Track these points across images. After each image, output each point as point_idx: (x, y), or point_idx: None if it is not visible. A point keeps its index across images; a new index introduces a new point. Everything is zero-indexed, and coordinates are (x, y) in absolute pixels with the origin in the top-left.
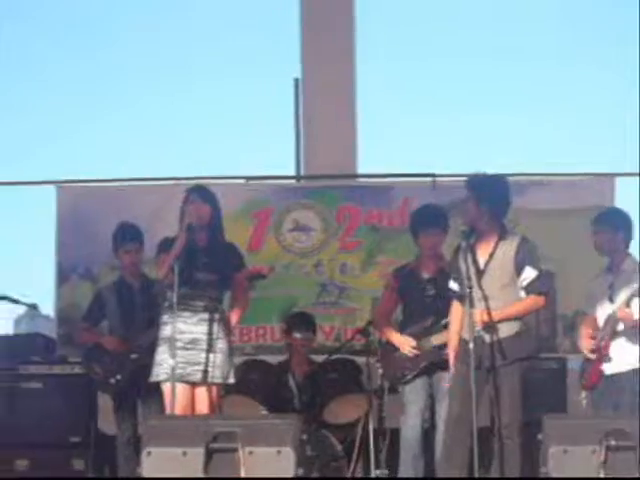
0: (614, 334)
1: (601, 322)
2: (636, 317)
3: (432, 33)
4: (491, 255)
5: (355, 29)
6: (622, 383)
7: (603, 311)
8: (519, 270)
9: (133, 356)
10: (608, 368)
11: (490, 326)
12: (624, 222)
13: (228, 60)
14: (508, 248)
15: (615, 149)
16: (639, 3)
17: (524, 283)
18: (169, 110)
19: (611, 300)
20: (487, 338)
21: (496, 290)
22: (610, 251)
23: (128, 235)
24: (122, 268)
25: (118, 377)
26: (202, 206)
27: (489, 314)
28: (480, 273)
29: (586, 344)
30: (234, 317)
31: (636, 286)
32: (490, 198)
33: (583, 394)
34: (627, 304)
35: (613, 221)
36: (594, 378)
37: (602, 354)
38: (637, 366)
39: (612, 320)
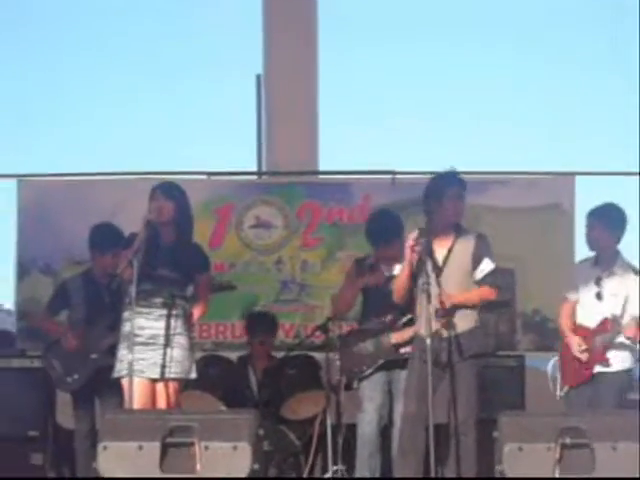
0: (614, 344)
1: (583, 315)
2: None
3: (394, 32)
4: (450, 251)
5: (317, 26)
6: (603, 381)
7: (587, 305)
8: (477, 263)
9: (93, 356)
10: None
11: (448, 322)
12: (620, 219)
13: (191, 56)
14: (466, 245)
15: (575, 148)
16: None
17: (480, 275)
18: (132, 105)
19: (599, 297)
20: (444, 334)
21: (454, 286)
22: (602, 247)
23: (107, 239)
24: (94, 267)
25: (75, 376)
26: (165, 203)
27: (442, 301)
28: (438, 270)
29: (576, 342)
30: (195, 313)
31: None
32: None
33: (564, 390)
34: (638, 323)
35: (609, 217)
36: (582, 378)
37: (599, 359)
38: (628, 367)
39: (614, 328)
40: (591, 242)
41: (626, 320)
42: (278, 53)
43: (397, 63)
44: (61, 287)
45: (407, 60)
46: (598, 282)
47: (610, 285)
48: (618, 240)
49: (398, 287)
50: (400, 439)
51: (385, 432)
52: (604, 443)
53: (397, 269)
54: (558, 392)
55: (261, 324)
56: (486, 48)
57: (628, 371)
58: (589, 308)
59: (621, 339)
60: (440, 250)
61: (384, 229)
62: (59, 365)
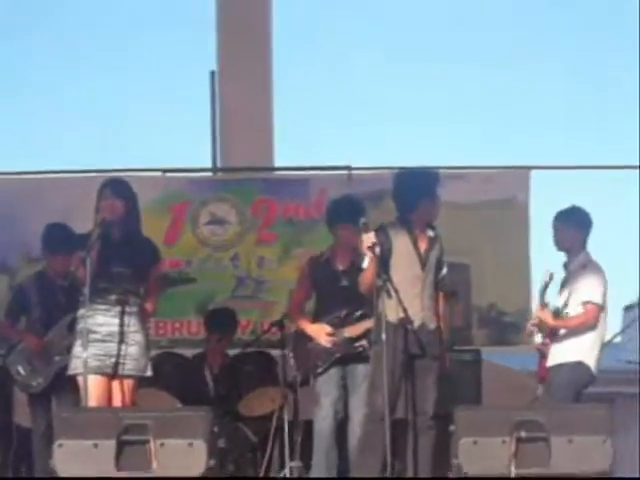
0: (550, 334)
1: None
2: (549, 321)
3: (348, 25)
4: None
5: (271, 21)
6: (552, 375)
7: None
8: (440, 266)
9: (57, 358)
10: (549, 362)
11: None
12: (585, 221)
13: (144, 52)
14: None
15: (530, 142)
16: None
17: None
18: (86, 101)
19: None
20: (431, 326)
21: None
22: (569, 248)
23: (57, 240)
24: (48, 267)
25: (40, 380)
26: (115, 201)
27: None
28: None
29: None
30: (149, 307)
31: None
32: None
33: (540, 388)
34: (542, 306)
35: (575, 219)
36: (541, 373)
37: (545, 353)
38: (577, 359)
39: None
40: (557, 244)
41: (572, 309)
42: (232, 49)
43: (352, 57)
44: (19, 291)
45: (363, 54)
46: (563, 284)
47: (565, 283)
48: (584, 242)
49: (365, 282)
50: (364, 433)
51: (341, 427)
52: (560, 436)
53: (365, 262)
54: (539, 391)
55: (221, 320)
56: (441, 42)
57: (578, 364)
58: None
59: (562, 331)
60: (421, 245)
61: (342, 210)
62: (23, 370)
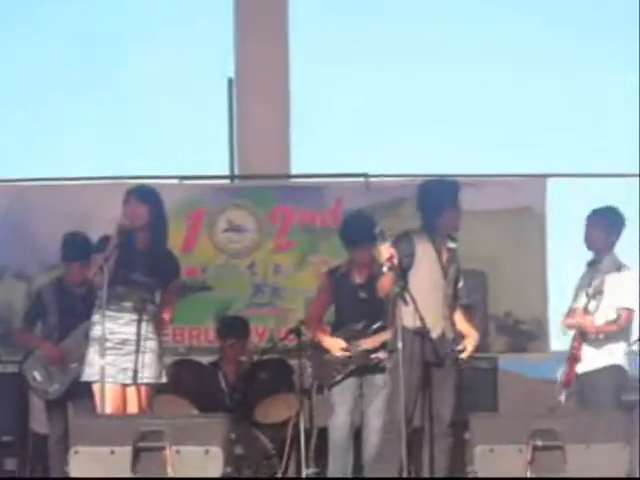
0: (582, 338)
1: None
2: (595, 324)
3: (366, 34)
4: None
5: (289, 29)
6: (589, 380)
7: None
8: (458, 278)
9: (73, 365)
10: (581, 367)
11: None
12: (619, 222)
13: (162, 59)
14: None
15: (547, 150)
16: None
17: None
18: (103, 108)
19: (588, 297)
20: (449, 335)
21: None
22: (599, 248)
23: (75, 248)
24: (65, 275)
25: (56, 386)
26: (139, 207)
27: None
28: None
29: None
30: (166, 316)
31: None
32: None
33: (563, 393)
34: (585, 309)
35: (609, 220)
36: (568, 378)
37: (575, 357)
38: (615, 363)
39: (575, 324)
40: (588, 242)
41: (602, 313)
42: (250, 56)
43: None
44: (36, 298)
45: (379, 63)
46: (590, 283)
47: (596, 284)
48: (613, 243)
49: (382, 287)
50: (380, 446)
51: (357, 436)
52: (576, 445)
53: (385, 268)
54: (562, 397)
55: (232, 328)
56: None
57: (616, 368)
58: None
59: (593, 335)
60: (444, 255)
61: (355, 232)
62: (39, 376)
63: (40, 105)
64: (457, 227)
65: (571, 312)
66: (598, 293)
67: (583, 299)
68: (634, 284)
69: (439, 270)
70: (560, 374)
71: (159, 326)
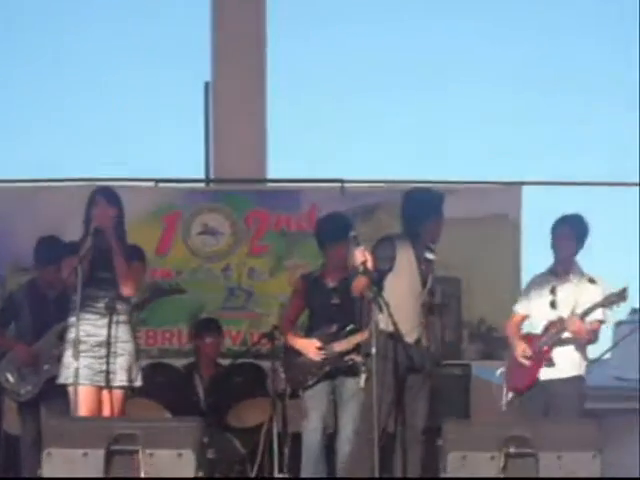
0: (558, 341)
1: (536, 324)
2: (584, 335)
3: (344, 37)
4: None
5: (266, 33)
6: (557, 389)
7: (540, 314)
8: (434, 290)
9: (46, 367)
10: (545, 373)
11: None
12: (584, 231)
13: (139, 62)
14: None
15: (522, 158)
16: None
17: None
18: (79, 110)
19: (553, 306)
20: (425, 342)
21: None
22: (564, 256)
23: (48, 253)
24: (39, 277)
25: (28, 387)
26: (108, 208)
27: None
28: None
29: (521, 348)
30: (126, 290)
31: (594, 301)
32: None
33: (508, 397)
34: (581, 317)
35: (576, 228)
36: (528, 381)
37: (543, 358)
38: (578, 373)
39: (559, 327)
40: (554, 248)
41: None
42: (226, 60)
43: (346, 69)
44: (8, 300)
45: (356, 67)
46: (553, 291)
47: (563, 293)
48: (577, 250)
49: (357, 288)
50: (353, 451)
51: (330, 441)
52: (549, 452)
53: (360, 269)
54: (503, 400)
55: (209, 328)
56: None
57: (580, 378)
58: (543, 316)
59: (565, 335)
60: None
61: (331, 228)
62: (12, 377)
63: (15, 107)
64: (438, 238)
65: (514, 319)
66: (565, 306)
67: (545, 306)
68: (602, 295)
69: (418, 277)
70: (503, 375)
71: (133, 327)
